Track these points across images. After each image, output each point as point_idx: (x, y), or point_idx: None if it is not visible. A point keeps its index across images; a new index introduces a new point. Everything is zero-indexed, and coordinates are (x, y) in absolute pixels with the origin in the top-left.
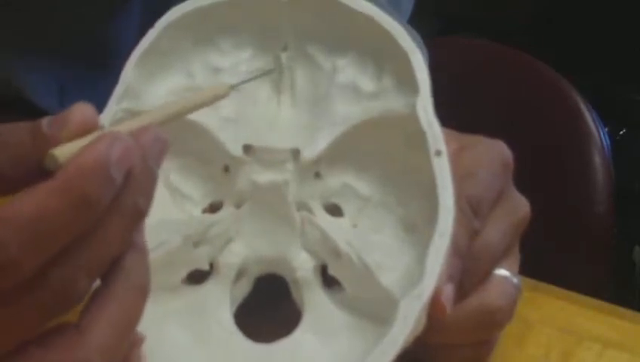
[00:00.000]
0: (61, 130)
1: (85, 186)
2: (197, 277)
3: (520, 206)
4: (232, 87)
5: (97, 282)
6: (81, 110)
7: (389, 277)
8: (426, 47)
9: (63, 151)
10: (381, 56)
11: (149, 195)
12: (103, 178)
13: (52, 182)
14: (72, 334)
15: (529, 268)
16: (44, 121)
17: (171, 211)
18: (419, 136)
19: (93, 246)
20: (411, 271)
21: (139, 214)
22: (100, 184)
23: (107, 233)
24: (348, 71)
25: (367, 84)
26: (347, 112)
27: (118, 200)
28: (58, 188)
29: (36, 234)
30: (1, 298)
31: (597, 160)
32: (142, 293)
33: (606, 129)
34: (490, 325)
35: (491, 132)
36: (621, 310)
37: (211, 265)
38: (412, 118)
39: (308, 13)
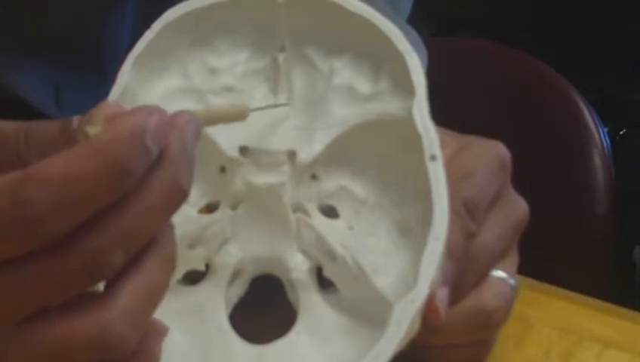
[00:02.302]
0: (90, 124)
1: (118, 151)
2: (193, 278)
3: (518, 207)
4: (251, 110)
5: None
6: (110, 105)
7: (384, 280)
8: (425, 47)
9: (97, 128)
10: (377, 58)
11: (188, 173)
12: (137, 146)
13: (84, 146)
14: (96, 300)
15: (529, 268)
16: (75, 118)
17: None
18: (414, 140)
19: (129, 219)
20: (406, 274)
21: (179, 191)
22: (133, 151)
23: (143, 206)
24: (344, 73)
25: (363, 86)
26: (344, 114)
27: (155, 174)
28: (90, 151)
29: (65, 194)
30: (26, 257)
31: (597, 160)
32: (169, 265)
33: (606, 129)
34: (485, 326)
35: (491, 132)
36: (621, 310)
37: (207, 266)
38: (408, 121)
39: (304, 15)
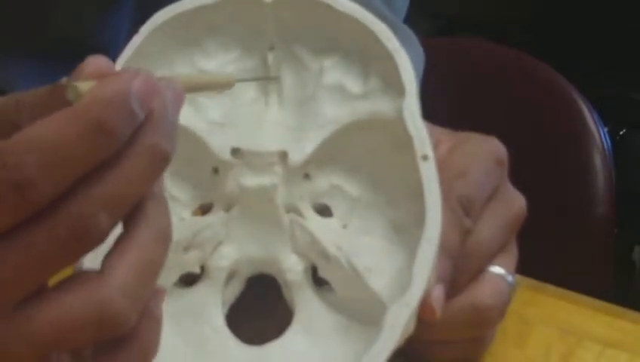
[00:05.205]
0: (76, 79)
1: (103, 113)
2: (188, 280)
3: (515, 202)
4: (237, 81)
5: (119, 230)
6: (95, 60)
7: (378, 281)
8: (424, 46)
9: (85, 84)
10: (367, 57)
11: (171, 139)
12: (121, 107)
13: (70, 109)
14: (93, 277)
15: (529, 268)
16: (64, 79)
17: None
18: (406, 139)
19: (113, 181)
20: (400, 273)
21: (162, 157)
22: (118, 113)
23: (128, 170)
24: (334, 72)
25: (353, 85)
26: (334, 114)
27: (139, 138)
28: (75, 114)
29: (53, 156)
30: (14, 230)
31: (597, 160)
32: (164, 240)
33: (606, 129)
34: (480, 322)
35: (491, 132)
36: (621, 310)
37: (202, 268)
38: (399, 121)
39: (292, 15)
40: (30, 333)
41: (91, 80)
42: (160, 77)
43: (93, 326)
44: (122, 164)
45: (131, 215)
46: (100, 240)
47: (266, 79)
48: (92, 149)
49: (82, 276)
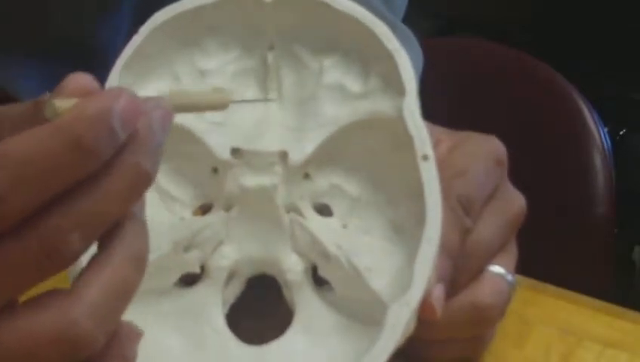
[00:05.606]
0: (58, 96)
1: (82, 131)
2: (188, 280)
3: (514, 201)
4: (232, 102)
5: (94, 250)
6: (76, 78)
7: (379, 281)
8: (424, 46)
9: (64, 102)
10: (367, 56)
11: (154, 161)
12: (102, 126)
13: (48, 125)
14: (62, 296)
15: (529, 268)
16: (45, 95)
17: (161, 214)
18: (406, 139)
19: (90, 201)
20: (401, 273)
21: (143, 177)
22: (98, 131)
23: (106, 189)
24: (334, 71)
25: (353, 84)
26: (334, 113)
27: (120, 157)
28: (54, 130)
29: (25, 172)
30: None
31: (597, 160)
32: (138, 265)
33: (606, 129)
34: (480, 321)
35: (491, 132)
36: (621, 310)
37: (202, 268)
38: (399, 120)
39: (292, 14)
40: None
41: (72, 97)
42: (149, 96)
43: (59, 346)
44: (100, 183)
45: (108, 235)
46: (72, 259)
47: (263, 101)
48: (69, 166)
49: (52, 294)
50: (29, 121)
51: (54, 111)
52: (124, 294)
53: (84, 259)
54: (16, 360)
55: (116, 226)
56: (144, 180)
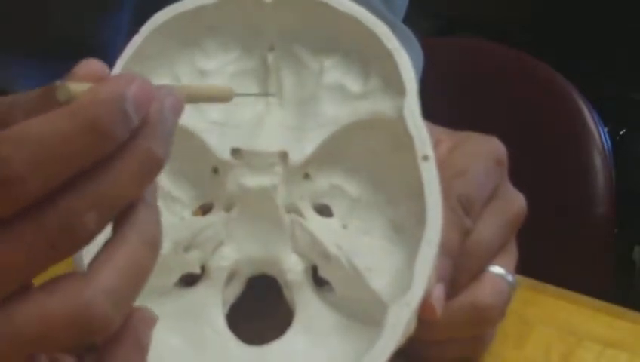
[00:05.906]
0: (69, 82)
1: (97, 114)
2: (189, 280)
3: (515, 202)
4: (236, 95)
5: (108, 233)
6: (89, 63)
7: (379, 281)
8: (424, 46)
9: (78, 86)
10: (367, 56)
11: (165, 146)
12: (116, 110)
13: (64, 108)
14: (77, 278)
15: (529, 268)
16: (57, 81)
17: (161, 214)
18: (406, 139)
19: (104, 183)
20: (401, 273)
21: (155, 161)
22: (112, 115)
23: (120, 171)
24: (334, 71)
25: (353, 84)
26: (335, 113)
27: (133, 141)
28: (70, 113)
29: (44, 153)
30: (5, 221)
31: (597, 160)
32: (152, 248)
33: (606, 129)
34: (480, 322)
35: (491, 132)
36: (621, 310)
37: (202, 268)
38: (399, 121)
39: (292, 14)
40: (11, 332)
41: (84, 82)
42: (160, 84)
43: (73, 328)
44: (114, 166)
45: (121, 219)
46: (88, 239)
47: (264, 95)
48: (84, 148)
49: (67, 277)
50: (41, 107)
51: (68, 95)
52: (139, 276)
53: (93, 249)
54: (32, 342)
55: (130, 210)
56: (156, 164)
